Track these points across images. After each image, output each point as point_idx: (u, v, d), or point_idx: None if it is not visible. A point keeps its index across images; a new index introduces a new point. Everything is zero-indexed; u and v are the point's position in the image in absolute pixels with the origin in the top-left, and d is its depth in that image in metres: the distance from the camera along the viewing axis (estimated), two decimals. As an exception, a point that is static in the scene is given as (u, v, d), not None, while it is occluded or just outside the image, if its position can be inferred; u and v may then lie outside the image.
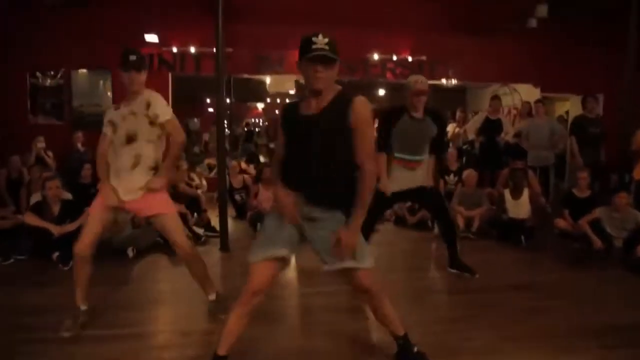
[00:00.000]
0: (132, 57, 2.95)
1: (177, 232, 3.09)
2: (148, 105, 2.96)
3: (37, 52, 7.20)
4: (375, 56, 8.40)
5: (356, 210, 2.17)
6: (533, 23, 7.67)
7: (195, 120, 14.31)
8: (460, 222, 5.65)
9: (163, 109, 3.00)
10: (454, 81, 8.61)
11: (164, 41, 7.68)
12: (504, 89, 10.32)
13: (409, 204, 6.08)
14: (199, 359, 2.58)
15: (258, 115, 17.35)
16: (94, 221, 2.99)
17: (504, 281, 3.97)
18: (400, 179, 3.71)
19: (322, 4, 7.50)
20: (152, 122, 2.98)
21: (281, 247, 2.22)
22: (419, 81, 3.59)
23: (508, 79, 9.45)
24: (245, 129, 15.08)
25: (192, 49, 7.73)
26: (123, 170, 3.00)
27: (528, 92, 9.29)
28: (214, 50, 4.97)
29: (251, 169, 8.46)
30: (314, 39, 2.06)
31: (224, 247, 4.95)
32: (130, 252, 4.68)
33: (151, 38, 7.55)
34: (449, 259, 4.11)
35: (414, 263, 4.80)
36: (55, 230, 4.48)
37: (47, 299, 3.49)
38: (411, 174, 3.71)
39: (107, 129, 3.07)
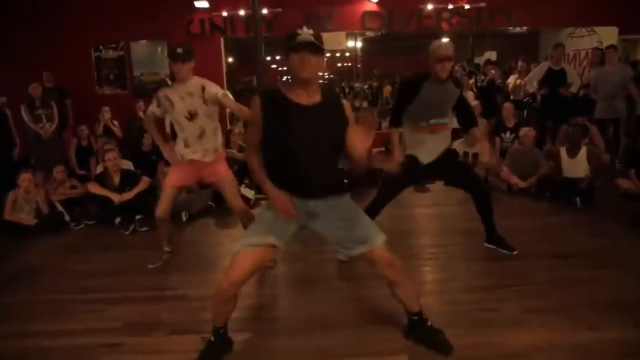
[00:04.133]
0: (179, 50, 3.29)
1: (233, 195, 3.53)
2: (203, 89, 3.33)
3: (99, 27, 7.64)
4: (429, 6, 7.99)
5: None
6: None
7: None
8: (514, 180, 5.50)
9: (216, 88, 3.38)
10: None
11: (214, 6, 7.80)
12: (581, 30, 9.47)
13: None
14: (236, 321, 2.70)
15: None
16: (169, 190, 3.53)
17: (546, 248, 3.78)
18: (430, 146, 3.47)
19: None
20: (206, 102, 3.35)
21: (275, 237, 2.22)
22: (443, 46, 3.24)
23: (582, 21, 8.66)
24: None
25: (242, 12, 7.79)
26: (191, 140, 3.43)
27: (607, 34, 8.46)
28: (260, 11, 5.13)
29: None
30: (298, 30, 2.10)
31: (271, 210, 5.14)
32: (183, 217, 5.01)
33: (201, 4, 7.69)
34: (485, 233, 3.79)
35: (455, 226, 4.56)
36: (116, 198, 4.90)
37: (108, 264, 3.89)
38: (435, 138, 3.46)
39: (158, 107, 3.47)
